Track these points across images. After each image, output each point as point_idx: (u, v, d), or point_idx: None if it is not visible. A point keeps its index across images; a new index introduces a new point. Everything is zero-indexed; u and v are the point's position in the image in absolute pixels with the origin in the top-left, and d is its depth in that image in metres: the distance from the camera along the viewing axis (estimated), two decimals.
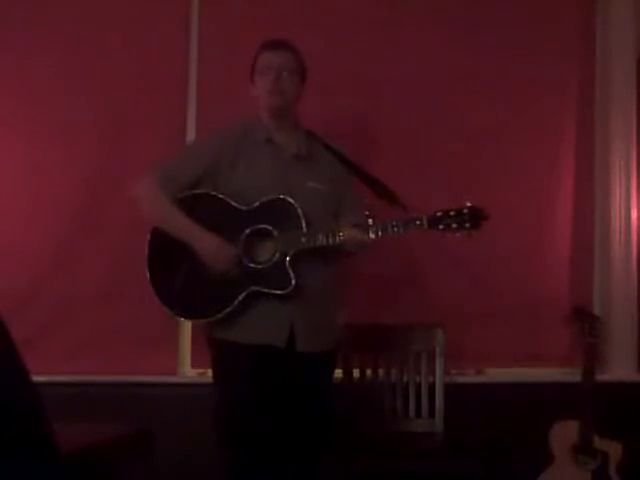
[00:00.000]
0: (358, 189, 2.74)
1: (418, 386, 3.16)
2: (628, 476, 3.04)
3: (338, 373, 2.96)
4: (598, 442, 3.05)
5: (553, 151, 3.42)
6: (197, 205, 2.58)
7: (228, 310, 2.51)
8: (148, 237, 2.63)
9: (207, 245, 2.52)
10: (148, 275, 2.59)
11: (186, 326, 3.22)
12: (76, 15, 3.25)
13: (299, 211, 2.50)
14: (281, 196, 2.52)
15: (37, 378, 3.36)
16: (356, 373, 3.13)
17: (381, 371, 3.16)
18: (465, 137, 3.34)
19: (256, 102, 2.67)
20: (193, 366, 3.25)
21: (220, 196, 2.58)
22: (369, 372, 3.15)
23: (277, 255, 2.50)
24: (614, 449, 3.04)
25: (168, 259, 2.60)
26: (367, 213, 2.50)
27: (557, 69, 3.42)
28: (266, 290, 2.50)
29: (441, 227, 2.46)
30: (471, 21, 3.38)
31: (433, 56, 3.35)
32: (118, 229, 3.18)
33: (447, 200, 2.51)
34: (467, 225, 2.45)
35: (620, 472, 3.03)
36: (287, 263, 2.48)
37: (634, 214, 3.40)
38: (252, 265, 2.52)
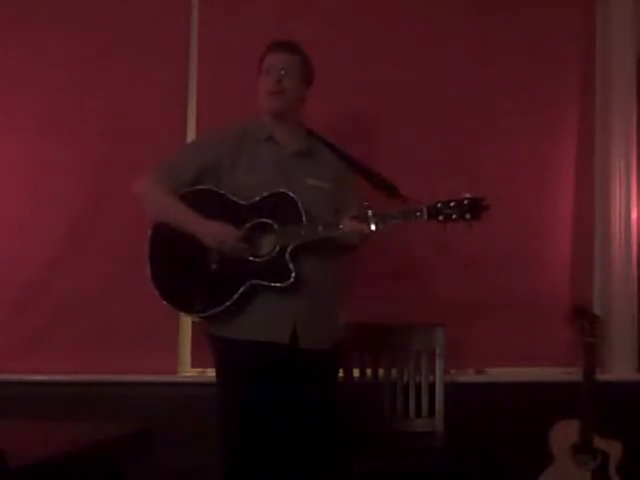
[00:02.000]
0: (357, 182, 2.74)
1: (418, 386, 3.15)
2: (628, 476, 3.04)
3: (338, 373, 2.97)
4: (598, 442, 3.05)
5: (553, 151, 3.42)
6: (198, 201, 2.58)
7: (228, 304, 2.49)
8: (149, 233, 2.64)
9: (210, 229, 2.52)
10: (149, 272, 2.60)
11: (186, 325, 3.22)
12: (77, 17, 3.25)
13: (299, 204, 2.50)
14: (281, 190, 2.52)
15: (38, 377, 3.38)
16: (356, 373, 3.13)
17: (381, 371, 3.15)
18: (465, 137, 3.35)
19: (258, 103, 2.67)
20: (193, 365, 3.24)
21: (221, 192, 2.58)
22: (369, 372, 3.14)
23: (277, 248, 2.49)
24: (614, 449, 3.04)
25: (169, 255, 2.62)
26: (366, 204, 2.46)
27: (557, 69, 3.42)
28: (266, 283, 2.48)
29: (441, 218, 2.42)
30: (472, 21, 3.38)
31: (435, 55, 3.35)
32: (118, 229, 3.18)
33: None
34: (467, 216, 2.40)
35: (620, 472, 3.03)
36: (287, 256, 2.47)
37: (634, 214, 3.40)
38: (252, 259, 2.52)
